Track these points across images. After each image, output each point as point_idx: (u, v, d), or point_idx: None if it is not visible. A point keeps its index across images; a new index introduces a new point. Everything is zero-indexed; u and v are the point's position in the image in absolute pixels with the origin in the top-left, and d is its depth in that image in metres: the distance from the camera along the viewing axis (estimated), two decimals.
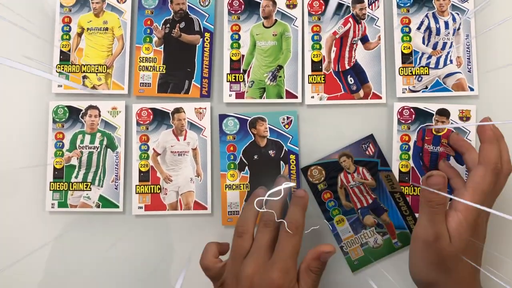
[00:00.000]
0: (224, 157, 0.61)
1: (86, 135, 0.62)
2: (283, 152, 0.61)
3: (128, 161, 0.62)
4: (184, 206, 0.61)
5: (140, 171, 0.61)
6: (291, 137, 0.61)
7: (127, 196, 0.61)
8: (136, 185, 0.61)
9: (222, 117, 0.62)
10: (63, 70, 0.63)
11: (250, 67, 0.62)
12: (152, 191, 0.61)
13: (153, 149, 0.61)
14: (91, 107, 0.62)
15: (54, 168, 0.61)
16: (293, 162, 0.61)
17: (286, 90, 0.62)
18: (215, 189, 0.61)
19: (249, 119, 0.61)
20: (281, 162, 0.61)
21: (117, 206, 0.61)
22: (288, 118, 0.61)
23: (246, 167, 0.61)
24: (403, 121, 0.60)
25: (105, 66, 0.63)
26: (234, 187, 0.61)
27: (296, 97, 0.62)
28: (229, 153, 0.61)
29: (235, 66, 0.62)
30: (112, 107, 0.62)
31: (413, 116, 0.60)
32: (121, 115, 0.62)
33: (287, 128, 0.61)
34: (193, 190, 0.61)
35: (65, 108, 0.62)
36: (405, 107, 0.60)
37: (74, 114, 0.62)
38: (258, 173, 0.61)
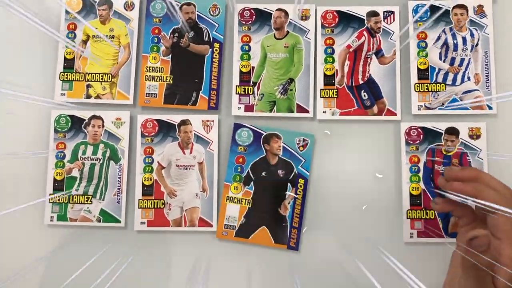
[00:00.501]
0: (231, 167, 0.59)
1: (88, 146, 0.59)
2: (292, 174, 0.58)
3: (132, 174, 0.59)
4: (188, 222, 0.58)
5: (143, 185, 0.59)
6: (303, 160, 0.59)
7: (129, 210, 0.59)
8: (139, 199, 0.59)
9: (237, 126, 0.59)
10: (66, 78, 0.61)
11: (260, 80, 0.60)
12: (156, 206, 0.59)
13: (158, 162, 0.59)
14: (94, 117, 0.60)
15: (54, 180, 0.59)
16: (301, 186, 0.58)
17: (297, 104, 0.59)
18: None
19: (264, 133, 0.59)
20: (289, 184, 0.58)
21: (119, 221, 0.58)
22: (304, 140, 0.59)
23: (252, 183, 0.59)
24: (411, 142, 0.58)
25: (110, 75, 0.61)
26: (235, 200, 0.58)
27: (307, 111, 0.59)
28: (237, 165, 0.59)
29: (244, 78, 0.60)
30: (116, 118, 0.60)
31: (421, 136, 0.58)
32: (125, 126, 0.60)
33: (301, 151, 0.59)
34: (198, 206, 0.58)
35: (68, 118, 0.60)
36: (413, 127, 0.58)
37: (76, 124, 0.60)
38: (263, 191, 0.59)
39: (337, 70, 0.60)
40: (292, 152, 0.59)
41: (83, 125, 0.60)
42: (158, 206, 0.59)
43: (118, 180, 0.59)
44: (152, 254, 0.59)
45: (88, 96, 0.61)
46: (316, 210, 0.59)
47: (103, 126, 0.60)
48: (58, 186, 0.59)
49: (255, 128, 0.59)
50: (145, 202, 0.59)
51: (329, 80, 0.60)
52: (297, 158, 0.59)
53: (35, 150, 0.60)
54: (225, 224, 0.58)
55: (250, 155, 0.59)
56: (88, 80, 0.61)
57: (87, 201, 0.59)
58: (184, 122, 0.60)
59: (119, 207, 0.58)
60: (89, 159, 0.59)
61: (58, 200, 0.58)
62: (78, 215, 0.58)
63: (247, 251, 0.58)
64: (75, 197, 0.59)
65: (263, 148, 0.59)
